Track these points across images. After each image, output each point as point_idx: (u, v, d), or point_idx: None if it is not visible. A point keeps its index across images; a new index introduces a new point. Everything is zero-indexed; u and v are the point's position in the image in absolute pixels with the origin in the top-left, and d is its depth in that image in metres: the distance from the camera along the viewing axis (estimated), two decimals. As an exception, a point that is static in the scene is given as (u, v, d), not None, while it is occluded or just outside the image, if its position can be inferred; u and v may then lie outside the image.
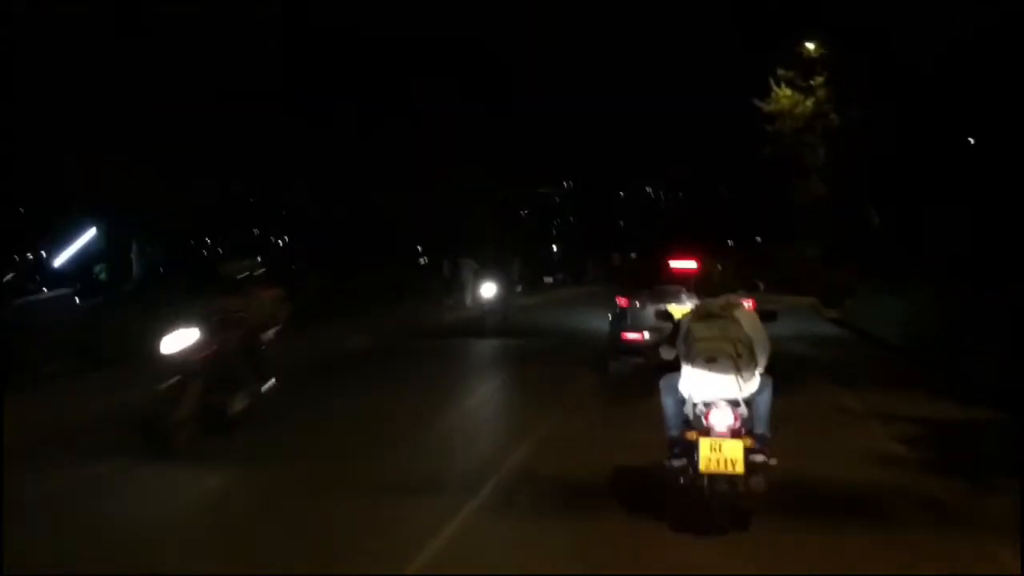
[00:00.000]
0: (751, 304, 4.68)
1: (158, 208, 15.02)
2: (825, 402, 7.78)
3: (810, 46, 22.46)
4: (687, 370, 4.21)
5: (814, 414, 7.06)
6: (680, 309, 5.27)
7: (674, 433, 4.29)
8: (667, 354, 4.52)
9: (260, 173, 18.85)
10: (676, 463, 4.24)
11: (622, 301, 9.25)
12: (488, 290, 14.04)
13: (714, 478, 4.04)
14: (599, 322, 11.77)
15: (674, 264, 9.27)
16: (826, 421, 6.95)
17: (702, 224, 36.04)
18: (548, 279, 32.59)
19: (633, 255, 36.40)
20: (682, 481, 4.20)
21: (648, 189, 56.45)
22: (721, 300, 4.20)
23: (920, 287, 12.87)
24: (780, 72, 23.28)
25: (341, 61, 20.23)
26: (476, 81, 25.24)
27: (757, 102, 23.63)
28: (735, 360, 4.03)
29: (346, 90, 20.44)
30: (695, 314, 4.22)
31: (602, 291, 23.92)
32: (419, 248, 29.54)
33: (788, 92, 23.07)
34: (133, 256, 16.97)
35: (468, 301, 17.79)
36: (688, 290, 8.14)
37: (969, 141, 13.63)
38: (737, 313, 4.14)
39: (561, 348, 12.25)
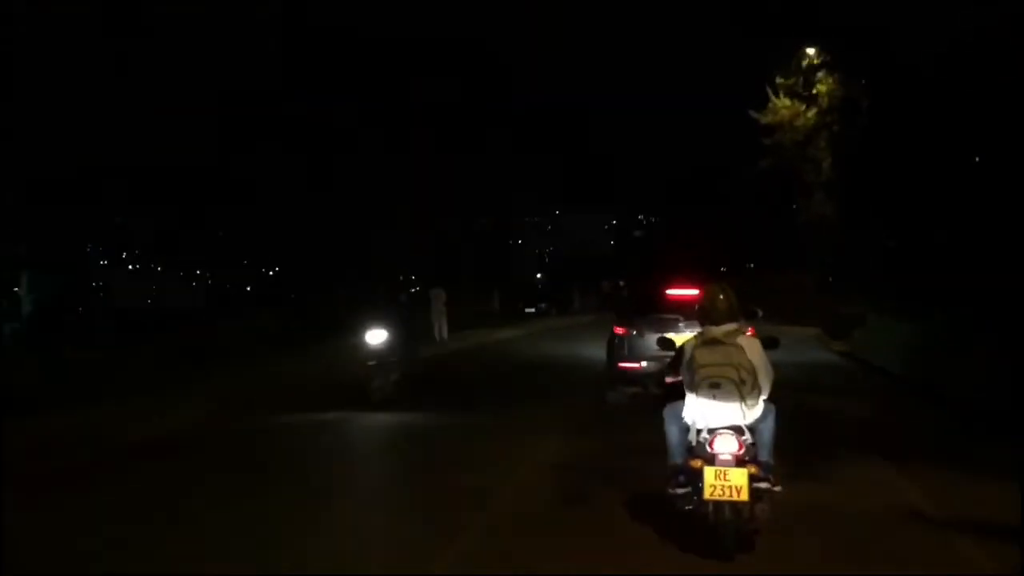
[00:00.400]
0: (750, 332, 4.74)
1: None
2: (879, 497, 5.41)
3: (811, 51, 21.34)
4: (691, 398, 4.28)
5: (874, 528, 4.80)
6: (680, 337, 5.30)
7: (678, 461, 4.32)
8: (671, 379, 4.54)
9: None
10: (680, 491, 4.27)
11: (619, 330, 9.22)
12: (376, 336, 9.53)
13: (719, 505, 4.09)
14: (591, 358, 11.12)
15: (672, 292, 9.29)
16: (900, 545, 4.51)
17: (690, 249, 35.28)
18: (530, 309, 31.51)
19: (622, 283, 35.92)
20: (687, 508, 4.20)
21: (640, 216, 56.04)
22: (724, 327, 4.25)
23: (940, 315, 11.55)
24: (779, 80, 21.90)
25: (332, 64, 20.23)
26: (475, 81, 25.01)
27: (753, 114, 22.17)
28: (739, 387, 4.09)
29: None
30: (699, 341, 4.27)
31: (591, 321, 23.46)
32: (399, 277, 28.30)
33: (787, 102, 21.75)
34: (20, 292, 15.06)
35: (435, 335, 17.04)
36: (686, 318, 8.13)
37: (974, 159, 13.51)
38: (740, 340, 4.20)
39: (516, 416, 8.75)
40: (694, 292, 8.58)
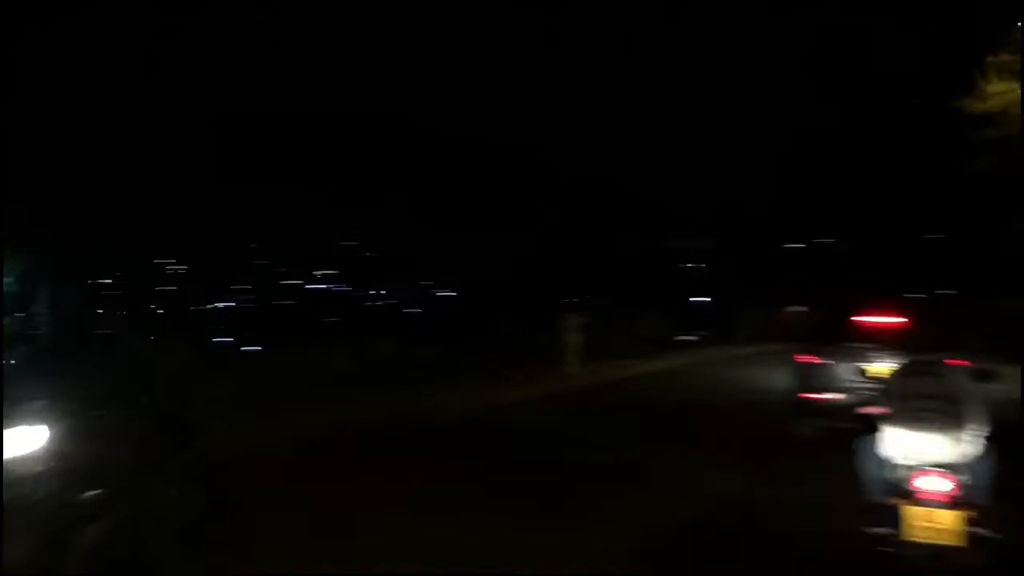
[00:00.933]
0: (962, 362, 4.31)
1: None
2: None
3: None
4: (891, 431, 3.94)
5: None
6: (878, 369, 4.97)
7: (874, 496, 4.00)
8: (867, 411, 4.26)
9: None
10: (878, 530, 3.95)
11: (805, 358, 8.67)
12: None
13: (922, 548, 3.71)
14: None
15: (867, 319, 8.67)
16: None
17: (887, 271, 31.05)
18: (687, 337, 27.59)
19: (805, 308, 32.05)
20: (885, 550, 3.88)
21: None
22: (929, 356, 3.92)
23: None
24: (989, 59, 17.68)
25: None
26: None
27: (957, 102, 18.00)
28: (948, 420, 3.73)
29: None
30: (902, 371, 3.97)
31: (755, 353, 20.42)
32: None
33: (1004, 85, 17.45)
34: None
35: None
36: (882, 347, 7.51)
37: None
38: (946, 370, 3.84)
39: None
40: (893, 319, 8.07)
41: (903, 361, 4.22)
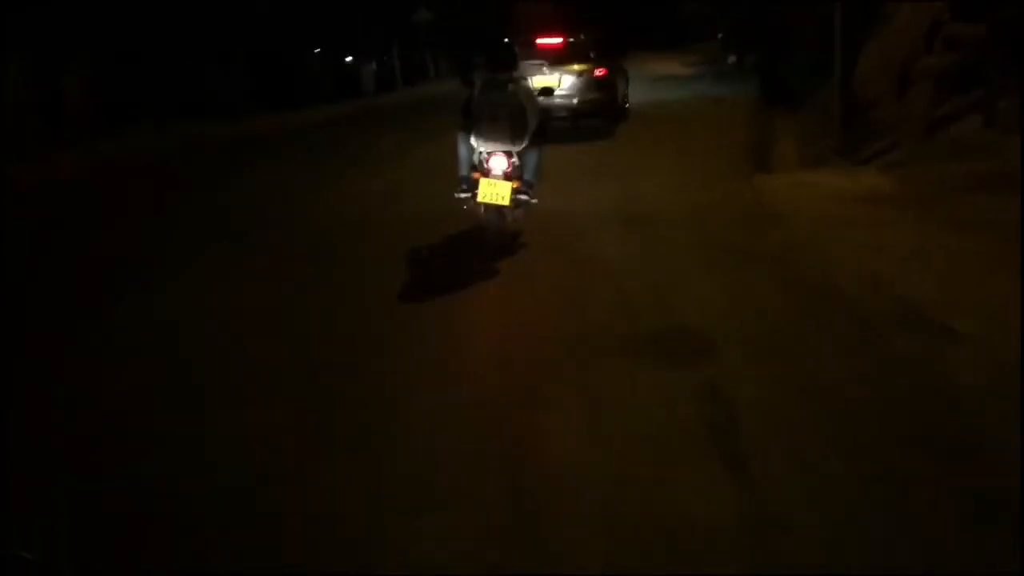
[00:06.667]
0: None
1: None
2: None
3: None
4: (477, 125, 5.61)
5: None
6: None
7: (464, 173, 5.79)
8: (464, 112, 5.87)
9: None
10: (463, 195, 5.78)
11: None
12: None
13: (488, 207, 5.62)
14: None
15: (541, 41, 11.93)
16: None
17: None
18: None
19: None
20: (465, 208, 5.77)
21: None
22: (504, 76, 5.56)
23: None
24: None
25: None
26: None
27: None
28: (511, 120, 5.45)
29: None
30: (483, 85, 5.55)
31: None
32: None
33: None
34: None
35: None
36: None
37: None
38: (511, 87, 5.52)
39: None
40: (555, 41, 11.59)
41: (484, 79, 5.85)
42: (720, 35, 29.68)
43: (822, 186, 7.63)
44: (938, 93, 8.52)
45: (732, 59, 25.69)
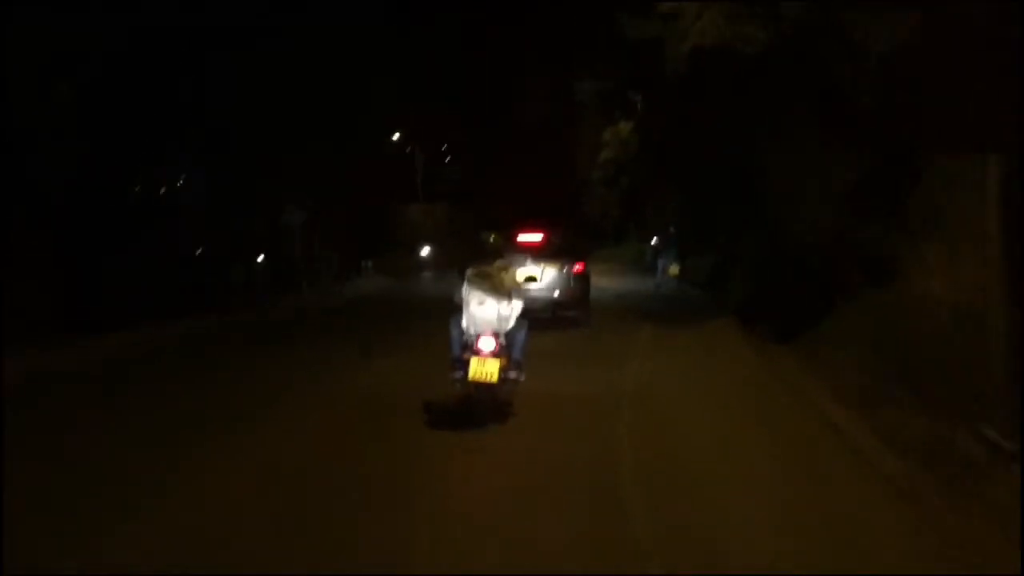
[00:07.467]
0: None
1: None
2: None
3: None
4: (467, 310, 6.12)
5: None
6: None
7: (456, 353, 6.19)
8: (457, 299, 6.40)
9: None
10: (456, 375, 6.14)
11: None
12: None
13: (477, 384, 5.96)
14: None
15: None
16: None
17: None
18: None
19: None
20: (458, 387, 6.10)
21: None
22: (488, 267, 6.21)
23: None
24: None
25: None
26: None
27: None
28: (498, 304, 5.98)
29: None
30: (471, 275, 6.16)
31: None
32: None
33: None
34: None
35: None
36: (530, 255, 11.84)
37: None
38: (503, 273, 6.11)
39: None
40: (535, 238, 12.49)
41: (473, 269, 6.47)
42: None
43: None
44: None
45: (655, 240, 21.64)
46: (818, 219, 9.10)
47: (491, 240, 6.65)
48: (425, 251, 33.79)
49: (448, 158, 44.73)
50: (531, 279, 6.97)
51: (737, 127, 11.65)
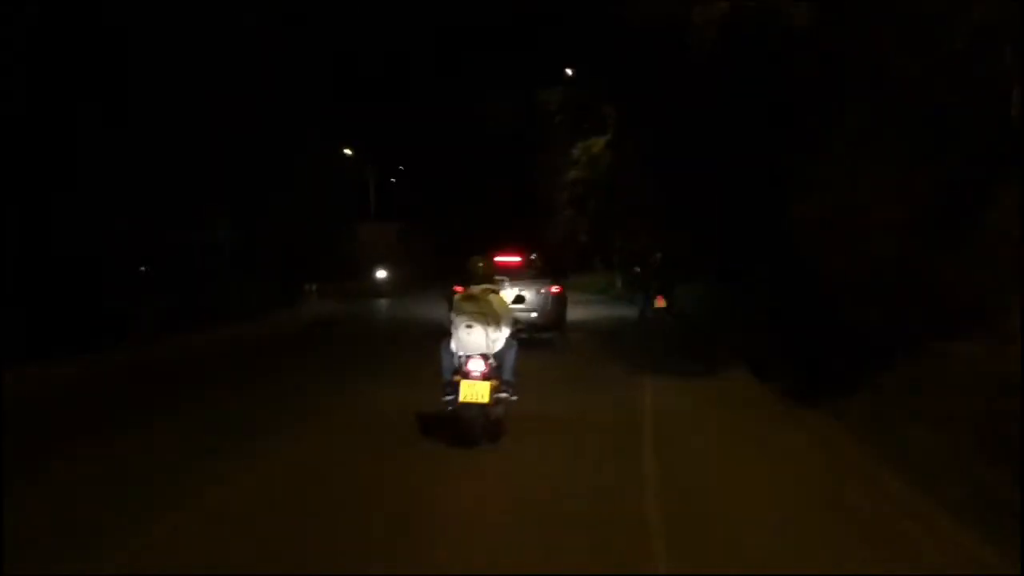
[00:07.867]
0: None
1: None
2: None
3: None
4: (455, 333, 6.23)
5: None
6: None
7: (447, 377, 6.29)
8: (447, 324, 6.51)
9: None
10: (448, 398, 6.23)
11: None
12: None
13: (469, 406, 6.05)
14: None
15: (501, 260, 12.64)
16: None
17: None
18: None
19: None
20: (449, 409, 6.18)
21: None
22: (480, 287, 6.31)
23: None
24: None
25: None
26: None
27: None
28: (485, 327, 6.09)
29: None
30: (460, 298, 6.27)
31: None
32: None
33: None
34: None
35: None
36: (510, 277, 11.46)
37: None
38: (491, 296, 6.24)
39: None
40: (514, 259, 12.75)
41: (460, 293, 6.59)
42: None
43: None
44: None
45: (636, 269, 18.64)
46: (872, 244, 7.04)
47: (479, 266, 6.71)
48: (381, 274, 31.36)
49: (403, 172, 43.98)
50: (519, 299, 7.10)
51: (768, 121, 9.63)
